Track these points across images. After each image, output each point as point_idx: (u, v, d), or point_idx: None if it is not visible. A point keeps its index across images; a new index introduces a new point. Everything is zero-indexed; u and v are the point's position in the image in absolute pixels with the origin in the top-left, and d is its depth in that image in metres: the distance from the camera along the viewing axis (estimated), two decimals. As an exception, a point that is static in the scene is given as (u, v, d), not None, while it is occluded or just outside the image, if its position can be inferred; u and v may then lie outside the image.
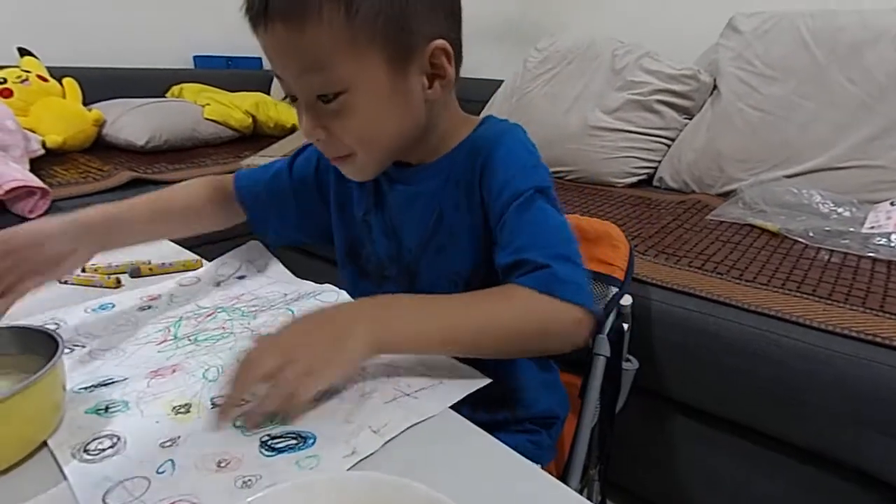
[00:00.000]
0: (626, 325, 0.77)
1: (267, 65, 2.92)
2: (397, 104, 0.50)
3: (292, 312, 0.58)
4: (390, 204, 0.60)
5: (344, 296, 0.62)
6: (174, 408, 0.42)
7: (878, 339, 0.75)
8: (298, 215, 0.68)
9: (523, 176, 0.52)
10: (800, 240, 1.09)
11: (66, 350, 0.49)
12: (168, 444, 0.38)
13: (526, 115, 1.71)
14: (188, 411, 0.42)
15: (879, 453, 0.75)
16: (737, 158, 1.39)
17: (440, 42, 0.50)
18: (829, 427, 0.78)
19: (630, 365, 0.79)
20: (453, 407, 0.43)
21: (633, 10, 1.81)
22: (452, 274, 0.58)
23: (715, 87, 1.51)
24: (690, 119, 1.54)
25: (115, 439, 0.38)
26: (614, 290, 0.77)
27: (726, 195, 1.39)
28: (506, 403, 0.64)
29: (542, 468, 0.62)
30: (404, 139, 0.54)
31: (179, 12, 2.39)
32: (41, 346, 0.40)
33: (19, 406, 0.35)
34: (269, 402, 0.40)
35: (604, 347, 0.74)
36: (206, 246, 0.81)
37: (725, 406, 0.88)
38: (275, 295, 0.64)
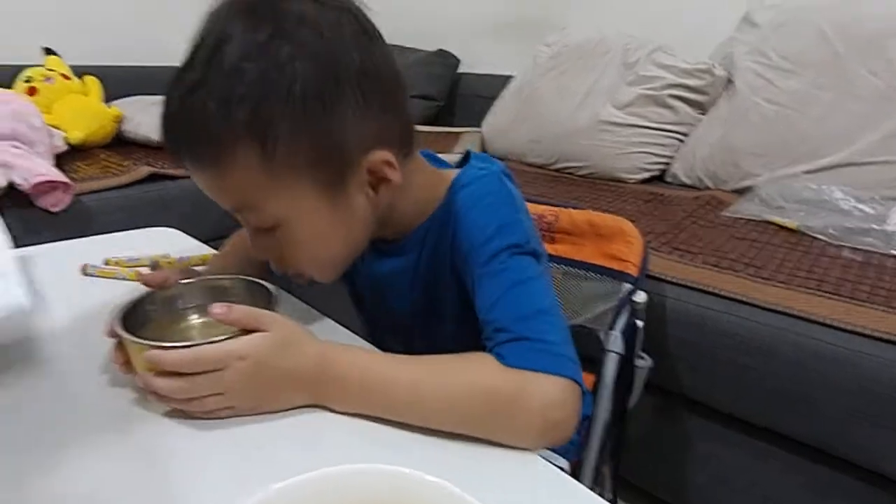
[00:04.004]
0: (639, 323, 0.76)
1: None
2: (340, 223, 0.48)
3: None
4: (376, 274, 0.59)
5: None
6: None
7: (901, 339, 0.73)
8: None
9: (487, 241, 0.48)
10: (820, 237, 1.07)
11: None
12: None
13: (535, 110, 1.70)
14: None
15: (898, 454, 0.74)
16: (753, 153, 1.36)
17: (377, 154, 0.45)
18: (848, 428, 0.77)
19: (643, 362, 0.78)
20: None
21: (646, 5, 1.79)
22: (450, 334, 0.58)
23: (730, 81, 1.48)
24: (704, 114, 1.52)
25: None
26: (628, 286, 0.76)
27: (742, 191, 1.36)
28: None
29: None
30: (358, 245, 0.52)
31: (196, 11, 2.41)
32: (262, 296, 0.47)
33: None
34: (176, 403, 0.41)
35: (617, 344, 0.74)
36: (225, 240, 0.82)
37: (740, 405, 0.87)
38: None
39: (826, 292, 0.85)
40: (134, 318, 0.45)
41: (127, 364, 0.44)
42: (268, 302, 0.47)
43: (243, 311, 0.42)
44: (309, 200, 0.45)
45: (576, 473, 0.69)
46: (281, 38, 0.41)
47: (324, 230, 0.47)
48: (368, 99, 0.44)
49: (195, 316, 0.51)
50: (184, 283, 0.52)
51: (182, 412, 0.42)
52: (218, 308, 0.42)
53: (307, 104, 0.41)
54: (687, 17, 1.68)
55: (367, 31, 0.45)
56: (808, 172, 1.27)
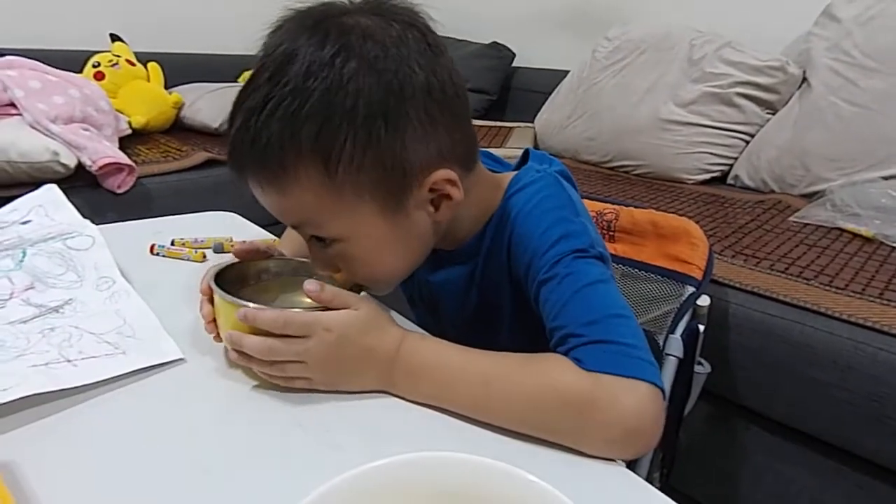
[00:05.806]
0: (701, 327, 0.73)
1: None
2: (399, 240, 0.47)
3: (23, 255, 0.56)
4: (431, 284, 0.59)
5: (98, 242, 0.60)
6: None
7: None
8: None
9: (551, 247, 0.46)
10: (898, 246, 1.00)
11: None
12: None
13: (593, 106, 1.67)
14: None
15: None
16: (826, 157, 1.29)
17: (440, 173, 0.45)
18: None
19: (702, 368, 0.76)
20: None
21: (715, -2, 1.72)
22: (505, 341, 0.56)
23: (804, 79, 1.41)
24: (774, 114, 1.45)
25: None
26: (691, 289, 0.73)
27: (810, 196, 1.30)
28: None
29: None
30: (417, 261, 0.51)
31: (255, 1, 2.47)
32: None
33: None
34: (257, 365, 0.42)
35: (676, 348, 0.71)
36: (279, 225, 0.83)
37: (805, 419, 0.83)
38: (32, 234, 0.60)
39: (908, 305, 0.80)
40: (224, 282, 0.46)
41: (213, 323, 0.46)
42: (353, 286, 0.48)
43: (335, 292, 0.44)
44: (369, 218, 0.44)
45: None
46: (346, 54, 0.40)
47: (382, 247, 0.47)
48: (432, 117, 0.43)
49: (280, 292, 0.53)
50: (274, 260, 0.53)
51: (261, 382, 0.44)
52: (311, 285, 0.43)
53: (370, 122, 0.41)
54: (759, 11, 1.60)
55: (431, 46, 0.44)
56: (886, 178, 1.19)
